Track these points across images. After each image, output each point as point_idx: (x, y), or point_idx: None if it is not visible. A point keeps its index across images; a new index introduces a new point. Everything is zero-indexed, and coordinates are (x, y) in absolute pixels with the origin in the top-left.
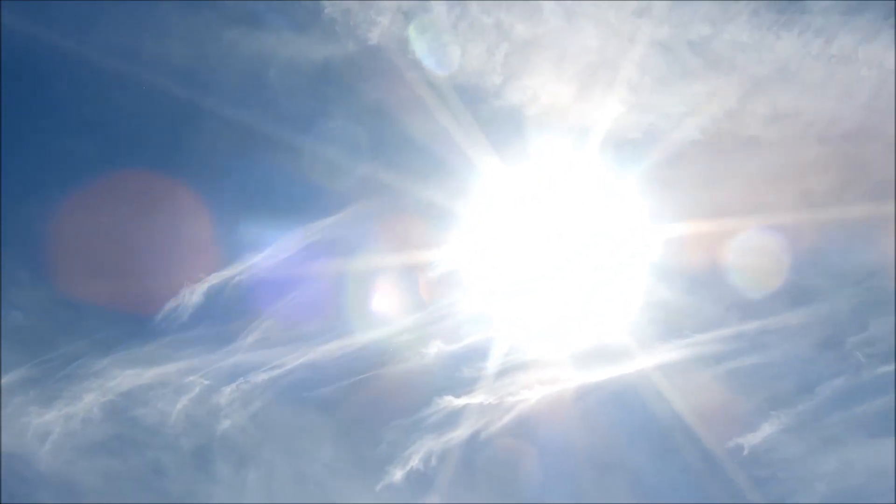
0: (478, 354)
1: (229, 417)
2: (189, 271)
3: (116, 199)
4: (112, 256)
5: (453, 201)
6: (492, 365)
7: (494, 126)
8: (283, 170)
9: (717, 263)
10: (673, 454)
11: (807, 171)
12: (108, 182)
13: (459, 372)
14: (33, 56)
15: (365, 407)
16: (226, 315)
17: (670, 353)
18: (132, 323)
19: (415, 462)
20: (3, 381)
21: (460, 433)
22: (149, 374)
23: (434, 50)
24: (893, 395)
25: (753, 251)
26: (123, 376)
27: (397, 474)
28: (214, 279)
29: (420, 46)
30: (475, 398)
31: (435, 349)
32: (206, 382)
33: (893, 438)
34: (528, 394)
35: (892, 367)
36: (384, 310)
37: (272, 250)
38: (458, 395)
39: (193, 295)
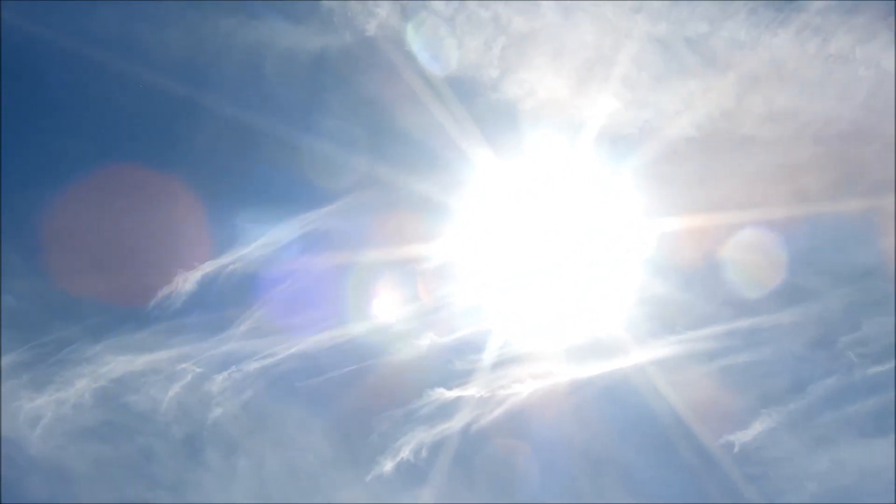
0: (470, 347)
1: (221, 405)
2: (183, 259)
3: (112, 187)
4: (107, 244)
5: (449, 194)
6: (484, 358)
7: (490, 119)
8: (278, 160)
9: (710, 261)
10: (664, 450)
11: (802, 170)
12: (103, 170)
13: (452, 364)
14: (27, 46)
15: (356, 398)
16: (219, 303)
17: (663, 349)
18: (125, 309)
19: (405, 453)
20: None
21: (452, 425)
22: (141, 361)
23: (431, 43)
24: (885, 396)
25: (748, 249)
26: (116, 362)
27: (388, 465)
28: (208, 267)
29: (417, 39)
30: (467, 391)
31: (428, 341)
32: (198, 370)
33: (885, 438)
34: (521, 387)
35: (884, 367)
36: (377, 301)
37: (266, 240)
38: (450, 388)
39: (187, 283)
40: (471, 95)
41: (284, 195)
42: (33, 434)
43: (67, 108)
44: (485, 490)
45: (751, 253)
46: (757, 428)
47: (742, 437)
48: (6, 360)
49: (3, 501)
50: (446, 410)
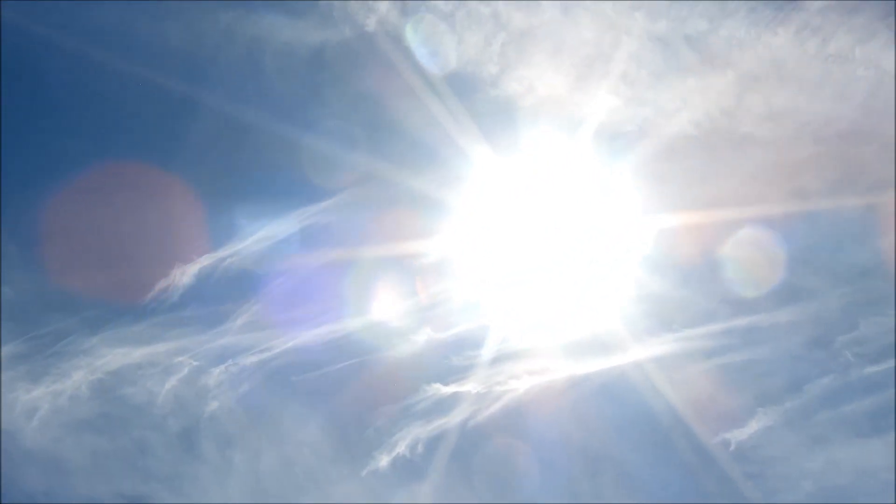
0: (467, 343)
1: (217, 399)
2: (180, 253)
3: (110, 180)
4: (105, 236)
5: (447, 189)
6: (481, 354)
7: (489, 116)
8: (276, 155)
9: (708, 259)
10: (660, 447)
11: (801, 169)
12: (101, 163)
13: (449, 360)
14: (24, 39)
15: (353, 392)
16: (216, 297)
17: (660, 346)
18: (122, 302)
19: (401, 448)
20: None
21: (448, 421)
22: (138, 354)
23: (431, 39)
24: (882, 395)
25: (745, 248)
26: (112, 355)
27: (383, 460)
28: (206, 261)
29: (417, 35)
30: (463, 386)
31: (425, 337)
32: (194, 363)
33: (881, 438)
34: (517, 384)
35: (881, 367)
36: (375, 296)
37: (264, 234)
38: (446, 383)
39: (184, 276)
40: (470, 91)
41: (282, 190)
42: (29, 426)
43: (64, 101)
44: (481, 486)
45: (749, 251)
46: (753, 426)
47: (738, 435)
48: (3, 351)
49: None
50: (443, 406)
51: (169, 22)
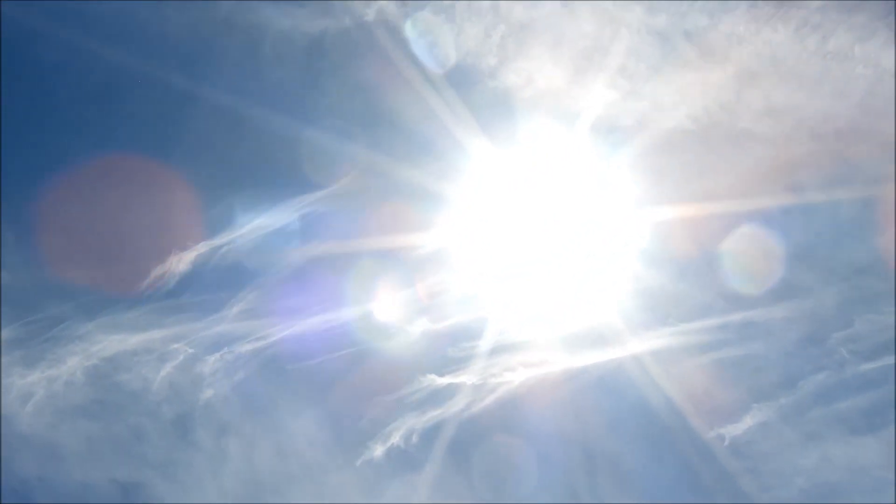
0: (464, 335)
1: (212, 386)
2: (177, 239)
3: (107, 168)
4: (102, 224)
5: (445, 181)
6: (477, 345)
7: (488, 107)
8: (273, 144)
9: (705, 253)
10: (654, 441)
11: (798, 166)
12: (99, 152)
13: (445, 351)
14: (20, 29)
15: (348, 382)
16: (212, 284)
17: (656, 340)
18: (119, 289)
19: (396, 439)
20: None
21: (443, 412)
22: (133, 340)
23: (430, 30)
24: (876, 393)
25: (742, 243)
26: (108, 341)
27: (378, 450)
28: (202, 248)
29: (416, 26)
30: (459, 378)
31: (421, 328)
32: (190, 351)
33: (875, 435)
34: (513, 375)
35: (876, 364)
36: (371, 286)
37: (261, 222)
38: (441, 375)
39: (181, 263)
40: (468, 83)
41: (280, 179)
42: (24, 411)
43: (62, 91)
44: (475, 477)
45: (745, 247)
46: (748, 422)
47: (733, 430)
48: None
49: None
50: (438, 397)
51: (166, 11)
